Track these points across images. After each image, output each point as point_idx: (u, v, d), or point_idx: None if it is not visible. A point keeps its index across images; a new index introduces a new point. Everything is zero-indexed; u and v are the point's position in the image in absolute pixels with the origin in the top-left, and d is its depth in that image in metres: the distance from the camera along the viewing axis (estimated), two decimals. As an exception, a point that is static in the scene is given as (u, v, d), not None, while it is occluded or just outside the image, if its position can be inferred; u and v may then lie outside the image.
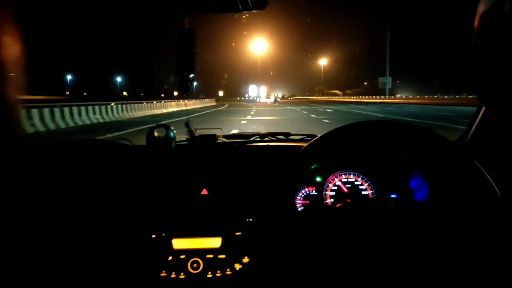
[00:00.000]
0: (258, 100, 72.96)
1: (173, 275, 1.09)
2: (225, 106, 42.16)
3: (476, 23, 0.58)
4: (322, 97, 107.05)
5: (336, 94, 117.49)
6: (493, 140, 1.00)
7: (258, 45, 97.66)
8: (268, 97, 79.08)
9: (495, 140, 0.99)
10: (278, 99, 63.52)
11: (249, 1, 1.15)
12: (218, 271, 1.11)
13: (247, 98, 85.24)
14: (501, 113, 0.72)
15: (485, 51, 0.55)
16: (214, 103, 53.48)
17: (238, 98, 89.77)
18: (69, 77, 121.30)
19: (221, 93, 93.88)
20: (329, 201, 1.30)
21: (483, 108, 1.06)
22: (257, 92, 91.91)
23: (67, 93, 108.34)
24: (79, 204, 1.12)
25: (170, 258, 1.11)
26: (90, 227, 1.11)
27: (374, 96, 69.69)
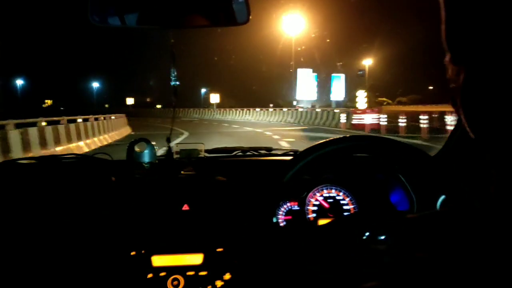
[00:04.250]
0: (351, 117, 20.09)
1: None
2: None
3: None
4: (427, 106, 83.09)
5: (386, 103, 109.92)
6: (472, 154, 0.97)
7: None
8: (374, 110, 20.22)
9: (474, 154, 0.95)
10: None
11: (233, 17, 1.22)
12: None
13: (292, 110, 32.77)
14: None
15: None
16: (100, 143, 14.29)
17: (248, 111, 38.49)
18: (19, 81, 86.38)
19: (215, 99, 52.69)
20: (311, 216, 1.38)
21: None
22: (313, 90, 39.97)
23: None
24: (54, 220, 1.20)
25: (150, 275, 1.15)
26: (65, 245, 1.17)
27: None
